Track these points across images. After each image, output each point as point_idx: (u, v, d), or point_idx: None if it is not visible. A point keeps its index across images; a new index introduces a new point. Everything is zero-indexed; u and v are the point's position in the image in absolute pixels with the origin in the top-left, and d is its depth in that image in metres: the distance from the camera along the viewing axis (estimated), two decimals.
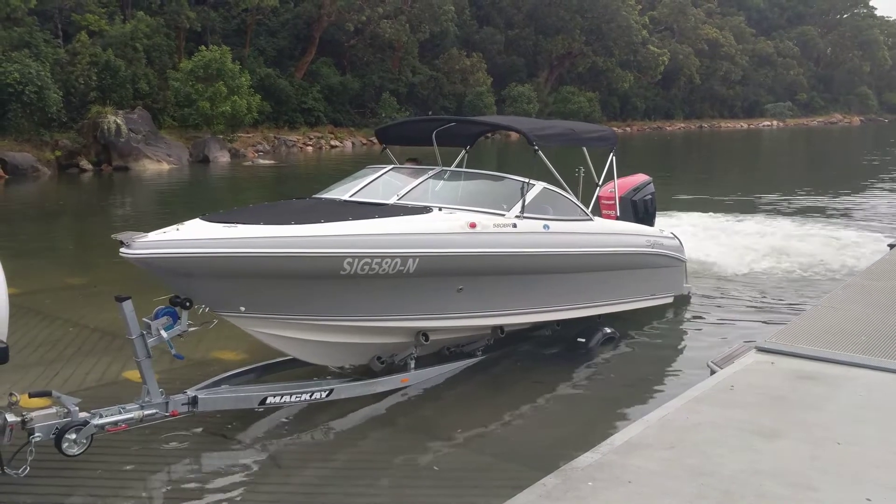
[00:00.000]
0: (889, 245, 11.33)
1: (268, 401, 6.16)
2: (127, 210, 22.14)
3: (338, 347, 6.59)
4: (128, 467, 5.52)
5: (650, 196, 9.81)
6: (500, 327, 7.41)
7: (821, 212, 18.62)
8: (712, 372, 5.98)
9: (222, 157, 35.55)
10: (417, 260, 6.31)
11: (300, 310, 6.20)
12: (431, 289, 6.66)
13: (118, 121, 30.76)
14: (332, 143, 47.39)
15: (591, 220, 8.16)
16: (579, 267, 7.86)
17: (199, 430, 6.08)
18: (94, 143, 30.81)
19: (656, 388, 7.01)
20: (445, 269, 6.62)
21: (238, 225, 5.82)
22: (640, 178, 9.90)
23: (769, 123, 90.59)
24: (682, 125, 79.56)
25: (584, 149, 8.86)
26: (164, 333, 5.55)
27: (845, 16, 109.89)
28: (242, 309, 5.98)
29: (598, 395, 6.97)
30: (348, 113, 51.23)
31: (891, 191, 24.34)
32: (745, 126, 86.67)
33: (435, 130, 8.88)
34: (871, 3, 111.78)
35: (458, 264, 6.68)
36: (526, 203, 7.28)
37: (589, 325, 8.28)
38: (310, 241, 5.87)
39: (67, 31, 35.23)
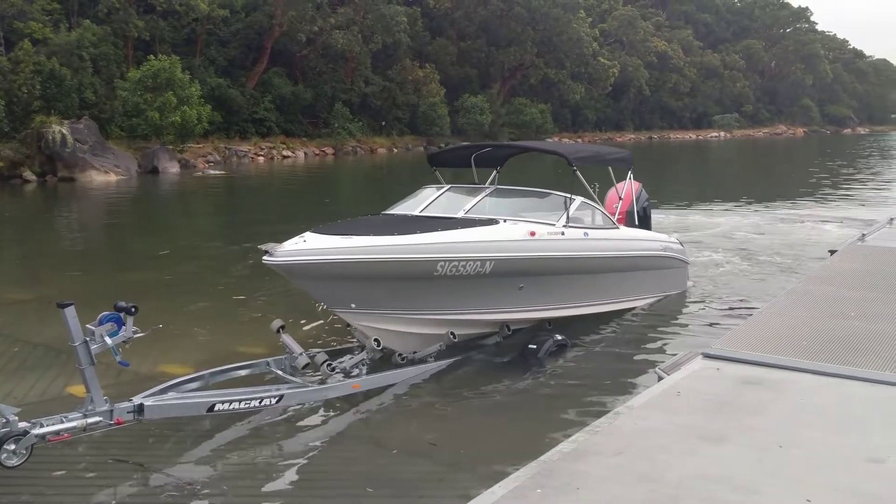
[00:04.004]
0: (829, 251, 11.60)
1: (216, 408, 6.06)
2: (73, 222, 21.68)
3: (422, 337, 7.60)
4: (66, 486, 5.38)
5: (647, 203, 10.84)
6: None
7: (773, 214, 19.03)
8: (660, 378, 6.03)
9: (172, 168, 35.08)
10: (493, 263, 7.51)
11: (398, 306, 7.27)
12: (500, 287, 7.84)
13: (63, 131, 30.16)
14: (284, 153, 47.09)
15: (617, 228, 9.38)
16: (610, 268, 9.16)
17: (140, 446, 5.94)
18: (38, 154, 30.15)
19: (605, 394, 7.07)
20: (512, 270, 7.82)
21: (353, 236, 6.90)
22: (636, 186, 10.58)
23: (717, 134, 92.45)
24: (633, 136, 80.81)
25: (610, 168, 10.38)
26: (108, 340, 5.41)
27: (788, 30, 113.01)
28: (353, 306, 7.04)
29: (548, 403, 7.00)
30: (300, 123, 50.96)
31: (839, 198, 25.00)
32: (694, 137, 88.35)
33: (474, 154, 10.05)
34: (812, 19, 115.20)
35: (522, 266, 7.91)
36: (570, 215, 8.49)
37: (540, 333, 8.38)
38: (414, 247, 7.01)
39: (10, 38, 34.48)
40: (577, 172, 8.95)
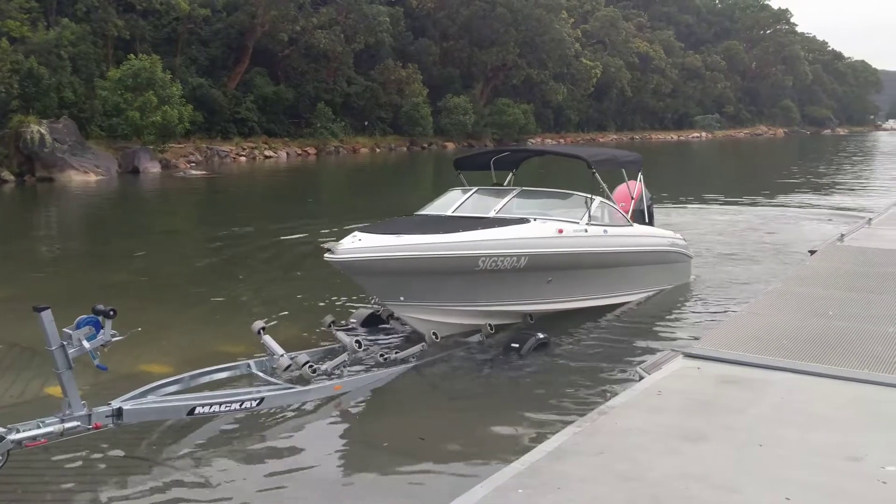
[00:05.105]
0: (809, 251, 11.69)
1: (196, 411, 5.97)
2: (50, 222, 21.47)
3: (462, 328, 8.32)
4: (48, 490, 5.31)
5: (650, 201, 11.39)
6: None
7: (756, 213, 19.13)
8: (640, 378, 6.05)
9: (153, 169, 34.81)
10: (527, 258, 8.19)
11: (442, 298, 7.97)
12: (532, 280, 8.51)
13: (42, 130, 29.84)
14: (266, 153, 46.88)
15: (631, 225, 10.06)
16: (627, 262, 9.89)
17: (123, 449, 5.88)
18: (16, 154, 29.81)
19: (586, 393, 7.07)
20: (542, 265, 8.48)
21: (402, 235, 7.54)
22: (634, 185, 11.08)
23: (698, 135, 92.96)
24: (615, 137, 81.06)
25: (623, 170, 10.95)
26: (85, 344, 5.31)
27: (768, 31, 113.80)
28: (402, 299, 7.71)
29: (529, 402, 6.99)
30: (283, 123, 50.73)
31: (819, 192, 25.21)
32: (676, 138, 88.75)
33: (493, 158, 10.94)
34: (792, 20, 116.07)
35: (552, 261, 8.59)
36: (591, 213, 9.15)
37: (522, 331, 8.42)
38: (459, 244, 7.69)
39: None
40: (596, 174, 9.60)
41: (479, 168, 11.09)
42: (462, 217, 8.71)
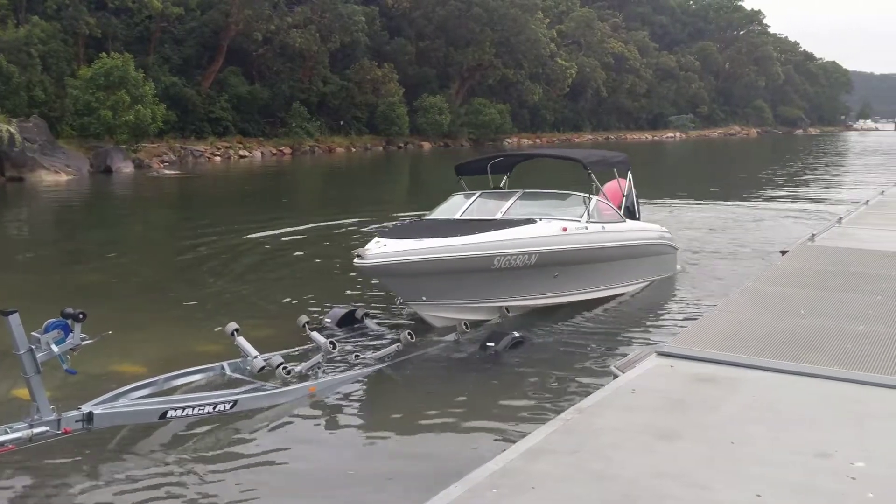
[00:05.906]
0: (780, 251, 11.81)
1: (169, 414, 5.92)
2: (20, 223, 21.18)
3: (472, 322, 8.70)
4: (23, 487, 5.24)
5: (634, 197, 11.90)
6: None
7: (730, 212, 19.28)
8: (614, 376, 6.06)
9: (125, 168, 34.45)
10: (537, 256, 8.78)
11: (460, 295, 8.55)
12: (540, 276, 9.07)
13: (11, 129, 29.39)
14: (241, 153, 46.57)
15: (624, 221, 10.63)
16: (623, 256, 10.41)
17: (98, 447, 5.80)
18: None
19: (560, 392, 7.08)
20: (550, 261, 9.04)
21: (423, 238, 8.07)
22: (624, 182, 11.65)
23: (672, 135, 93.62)
24: (590, 136, 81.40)
25: (615, 169, 11.59)
26: (54, 347, 5.24)
27: (741, 32, 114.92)
28: (424, 298, 8.29)
29: (504, 401, 6.99)
30: (257, 123, 50.42)
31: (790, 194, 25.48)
32: (650, 138, 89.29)
33: (489, 163, 11.49)
34: (765, 21, 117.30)
35: (559, 257, 9.14)
36: (589, 212, 9.73)
37: (498, 330, 8.46)
38: (477, 245, 8.25)
39: None
40: (591, 175, 10.31)
41: (477, 173, 11.58)
42: (474, 220, 9.22)
